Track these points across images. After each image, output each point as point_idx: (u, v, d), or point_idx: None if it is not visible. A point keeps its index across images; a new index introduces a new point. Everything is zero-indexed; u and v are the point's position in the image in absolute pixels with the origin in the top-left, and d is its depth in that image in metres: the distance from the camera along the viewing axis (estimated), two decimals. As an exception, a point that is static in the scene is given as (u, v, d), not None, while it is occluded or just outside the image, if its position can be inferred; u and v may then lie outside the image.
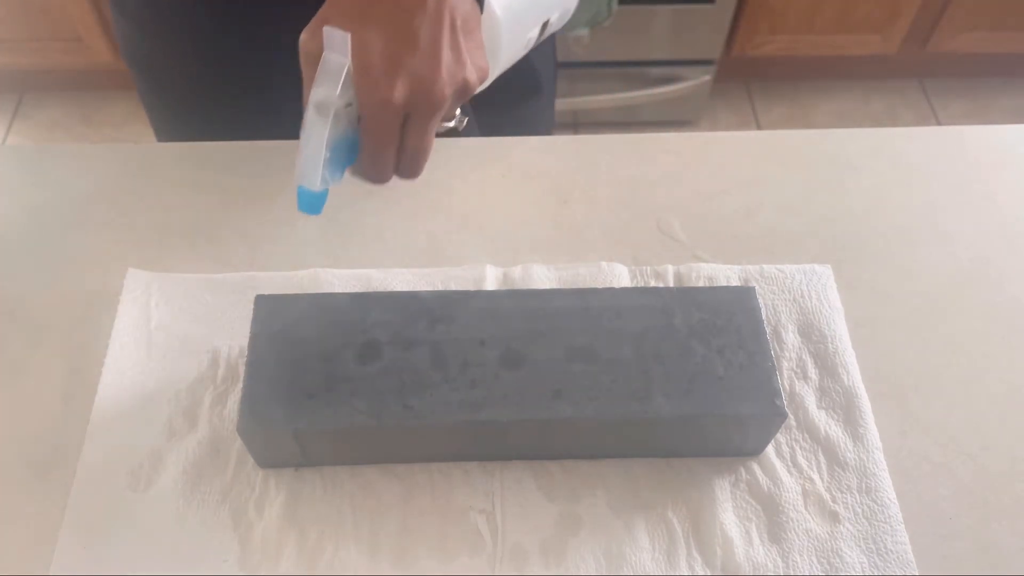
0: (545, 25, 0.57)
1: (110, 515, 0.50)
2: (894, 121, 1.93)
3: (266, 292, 0.53)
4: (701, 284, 0.61)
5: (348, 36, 0.41)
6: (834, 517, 0.51)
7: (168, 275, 0.60)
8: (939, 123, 1.93)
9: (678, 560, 0.49)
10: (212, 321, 0.58)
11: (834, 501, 0.51)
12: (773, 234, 0.65)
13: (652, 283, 0.61)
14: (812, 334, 0.58)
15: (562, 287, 0.60)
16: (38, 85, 1.92)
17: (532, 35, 0.57)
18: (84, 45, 1.73)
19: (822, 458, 0.53)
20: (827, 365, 0.57)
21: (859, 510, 0.51)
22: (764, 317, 0.53)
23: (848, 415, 0.55)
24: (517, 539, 0.50)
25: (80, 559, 0.49)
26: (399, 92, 0.44)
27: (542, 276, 0.61)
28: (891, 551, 0.50)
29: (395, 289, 0.60)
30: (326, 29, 0.42)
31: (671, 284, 0.61)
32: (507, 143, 0.70)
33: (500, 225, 0.65)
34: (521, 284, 0.60)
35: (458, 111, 0.50)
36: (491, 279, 0.61)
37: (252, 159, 0.69)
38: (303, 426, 0.48)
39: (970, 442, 0.54)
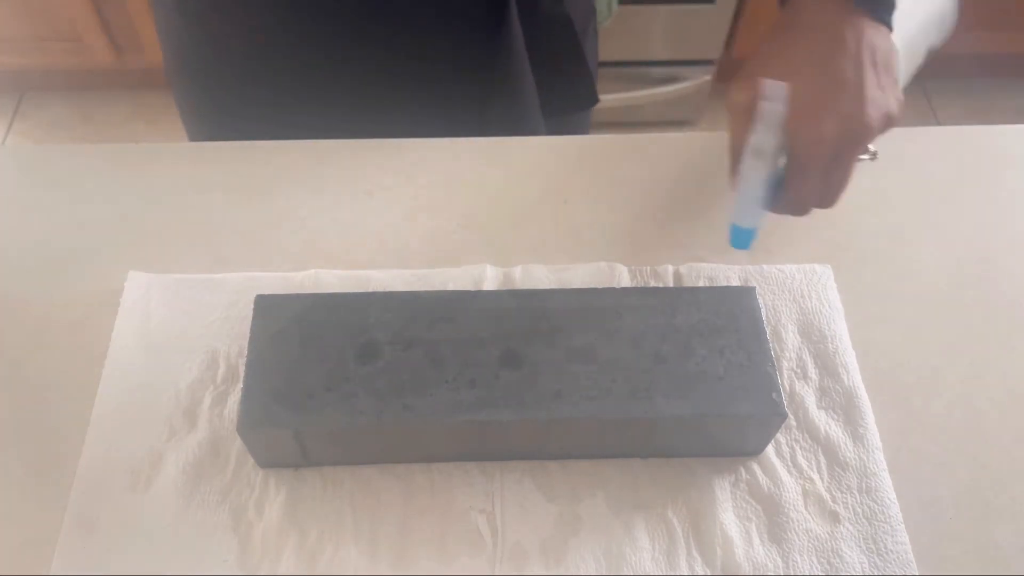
0: (930, 52, 0.57)
1: (110, 515, 0.50)
2: (894, 121, 1.93)
3: (266, 292, 0.53)
4: (701, 284, 0.61)
5: (785, 86, 0.45)
6: (834, 517, 0.51)
7: (168, 276, 0.60)
8: (939, 123, 1.93)
9: (678, 560, 0.49)
10: (212, 321, 0.58)
11: (834, 501, 0.51)
12: (773, 234, 0.64)
13: (652, 283, 0.61)
14: (812, 334, 0.58)
15: (562, 287, 0.60)
16: (38, 85, 1.92)
17: (919, 63, 0.57)
18: (84, 45, 1.73)
19: (822, 458, 0.53)
20: (827, 365, 0.57)
21: (859, 510, 0.51)
22: (764, 317, 0.53)
23: (848, 415, 0.55)
24: (517, 539, 0.50)
25: (80, 559, 0.49)
26: (829, 130, 0.47)
27: (542, 276, 0.61)
28: (891, 551, 0.50)
29: (395, 289, 0.60)
30: (766, 81, 0.46)
31: (671, 284, 0.61)
32: (507, 143, 0.70)
33: (500, 225, 0.65)
34: (521, 284, 0.60)
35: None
36: (491, 279, 0.61)
37: (253, 159, 0.69)
38: (303, 426, 0.48)
39: (970, 442, 0.54)
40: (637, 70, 1.80)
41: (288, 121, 0.72)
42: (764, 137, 0.45)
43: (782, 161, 0.49)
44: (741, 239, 0.49)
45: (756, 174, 0.46)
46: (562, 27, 0.73)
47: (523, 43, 0.71)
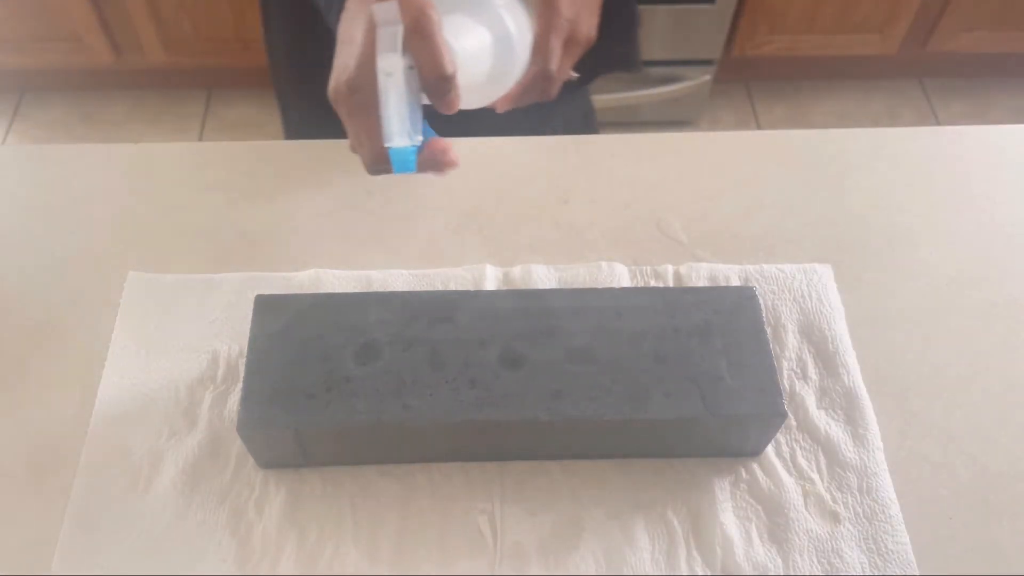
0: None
1: (110, 515, 0.50)
2: (894, 121, 1.93)
3: (266, 292, 0.53)
4: (701, 284, 0.61)
5: (395, 5, 0.46)
6: (834, 517, 0.51)
7: (168, 276, 0.60)
8: (939, 123, 1.93)
9: (678, 560, 0.49)
10: (212, 321, 0.58)
11: (834, 501, 0.51)
12: (773, 234, 0.65)
13: (652, 283, 0.61)
14: (812, 334, 0.58)
15: (562, 287, 0.60)
16: (38, 85, 1.92)
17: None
18: (84, 45, 1.73)
19: (822, 458, 0.53)
20: (827, 365, 0.57)
21: (859, 510, 0.51)
22: (764, 317, 0.53)
23: (848, 415, 0.55)
24: (517, 539, 0.50)
25: (80, 559, 0.49)
26: (567, 8, 0.51)
27: (542, 276, 0.61)
28: (891, 551, 0.50)
29: (395, 289, 0.60)
30: (374, 7, 0.47)
31: (671, 284, 0.61)
32: (507, 143, 0.70)
33: (500, 225, 0.65)
34: (521, 284, 0.60)
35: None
36: (491, 279, 0.61)
37: (253, 159, 0.69)
38: (303, 426, 0.48)
39: (970, 442, 0.54)
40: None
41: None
42: (387, 58, 0.47)
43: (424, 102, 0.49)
44: (401, 161, 0.48)
45: (393, 93, 0.47)
46: None
47: None
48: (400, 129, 0.47)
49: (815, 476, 0.52)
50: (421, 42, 0.46)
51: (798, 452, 0.53)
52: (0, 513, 0.51)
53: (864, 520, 0.51)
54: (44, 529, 0.50)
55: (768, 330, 0.52)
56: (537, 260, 0.62)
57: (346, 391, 0.49)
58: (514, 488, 0.52)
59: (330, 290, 0.60)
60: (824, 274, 0.61)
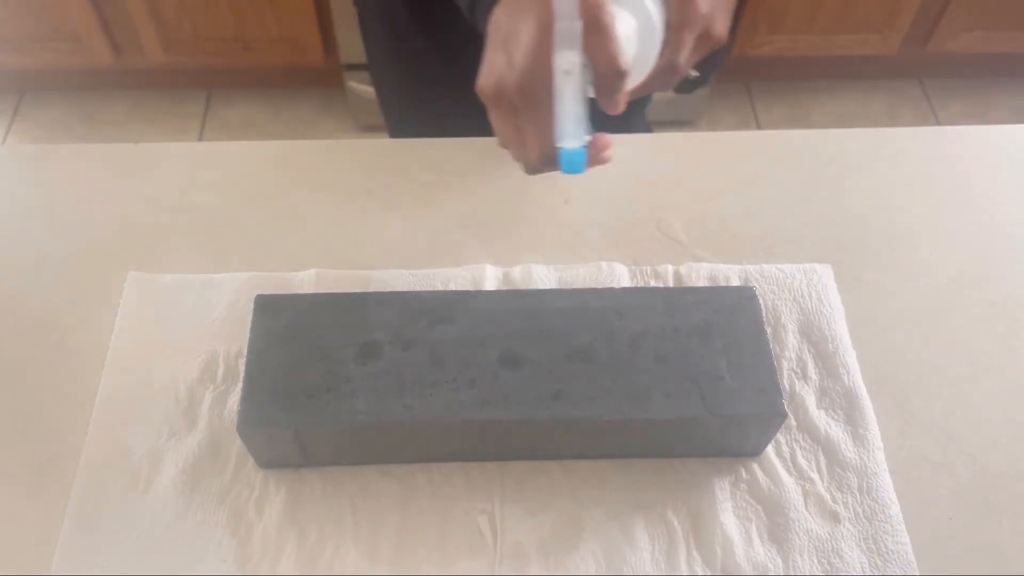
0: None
1: (110, 515, 0.50)
2: (894, 121, 1.93)
3: (266, 292, 0.53)
4: (701, 284, 0.61)
5: (576, 1, 0.45)
6: (834, 517, 0.51)
7: (168, 275, 0.60)
8: (939, 123, 1.93)
9: (678, 560, 0.49)
10: (212, 321, 0.58)
11: (834, 501, 0.51)
12: (773, 234, 0.65)
13: (652, 283, 0.61)
14: (812, 334, 0.58)
15: (562, 287, 0.60)
16: (38, 85, 1.92)
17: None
18: (84, 45, 1.72)
19: (822, 458, 0.53)
20: (827, 365, 0.57)
21: (859, 510, 0.51)
22: (764, 317, 0.53)
23: (848, 415, 0.55)
24: (517, 539, 0.50)
25: (81, 559, 0.49)
26: (704, 4, 0.50)
27: (542, 276, 0.61)
28: (891, 551, 0.50)
29: (395, 289, 0.60)
30: (554, 2, 0.45)
31: (671, 284, 0.61)
32: (507, 143, 0.70)
33: (500, 225, 0.65)
34: (521, 284, 0.60)
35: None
36: (491, 279, 0.61)
37: (253, 159, 0.69)
38: (303, 426, 0.48)
39: (970, 442, 0.54)
40: (637, 70, 1.80)
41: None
42: (567, 55, 0.46)
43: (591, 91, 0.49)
44: (571, 162, 0.48)
45: (570, 92, 0.46)
46: None
47: None
48: (575, 130, 0.46)
49: (815, 476, 0.52)
50: (600, 39, 0.45)
51: (798, 452, 0.53)
52: (0, 513, 0.51)
53: (864, 520, 0.51)
54: (44, 529, 0.50)
55: (768, 330, 0.52)
56: (537, 260, 0.62)
57: (346, 391, 0.49)
58: (514, 488, 0.52)
59: (330, 290, 0.60)
60: (824, 274, 0.61)
